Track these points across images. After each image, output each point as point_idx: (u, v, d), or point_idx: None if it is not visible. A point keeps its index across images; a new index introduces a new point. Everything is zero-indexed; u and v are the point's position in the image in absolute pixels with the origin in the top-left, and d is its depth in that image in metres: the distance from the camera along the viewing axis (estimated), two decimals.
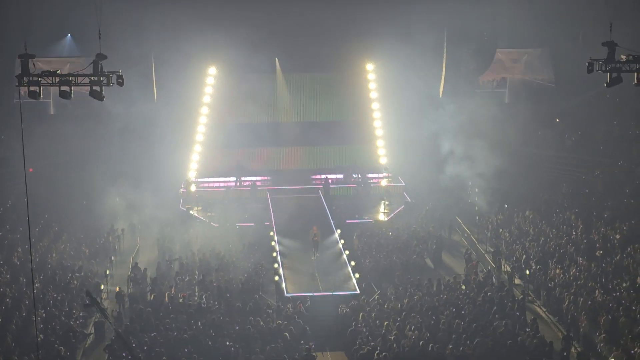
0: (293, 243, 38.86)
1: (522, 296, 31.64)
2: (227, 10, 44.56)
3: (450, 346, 27.06)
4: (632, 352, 25.66)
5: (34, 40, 41.04)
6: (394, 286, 32.72)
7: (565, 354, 27.16)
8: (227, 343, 27.40)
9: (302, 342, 28.11)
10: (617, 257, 32.77)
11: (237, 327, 28.72)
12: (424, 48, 46.87)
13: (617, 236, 34.43)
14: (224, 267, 34.87)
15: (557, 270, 32.77)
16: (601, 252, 33.72)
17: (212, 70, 48.15)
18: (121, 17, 42.29)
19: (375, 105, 50.47)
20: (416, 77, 47.53)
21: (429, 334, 27.67)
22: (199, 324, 28.81)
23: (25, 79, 23.52)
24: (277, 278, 34.82)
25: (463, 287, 32.66)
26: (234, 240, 38.57)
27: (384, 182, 47.39)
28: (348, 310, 30.62)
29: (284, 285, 33.92)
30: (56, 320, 29.05)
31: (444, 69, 47.40)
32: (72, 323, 29.09)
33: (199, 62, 45.28)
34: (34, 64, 23.79)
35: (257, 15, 45.81)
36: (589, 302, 29.43)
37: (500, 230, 39.01)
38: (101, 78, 24.25)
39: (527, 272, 33.94)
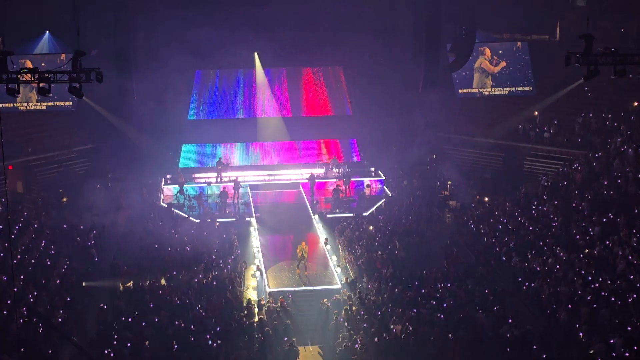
0: (274, 238, 38.92)
1: (502, 288, 31.82)
2: (207, 5, 44.47)
3: (432, 339, 27.23)
4: (612, 342, 25.90)
5: (11, 38, 41.10)
6: (375, 280, 32.83)
7: (546, 345, 27.37)
8: (209, 338, 27.44)
9: (284, 337, 28.19)
10: (597, 249, 33.02)
11: (219, 323, 28.73)
12: (403, 40, 47.13)
13: (596, 228, 34.68)
14: (205, 263, 34.82)
15: (537, 263, 33.00)
16: (581, 242, 33.97)
17: (193, 64, 48.01)
18: (99, 14, 42.29)
19: (355, 99, 50.63)
20: (396, 69, 47.71)
21: (410, 328, 27.81)
22: (181, 320, 28.81)
23: (4, 76, 23.36)
24: (258, 273, 34.90)
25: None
26: (215, 236, 38.50)
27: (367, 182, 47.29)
28: (330, 304, 30.75)
29: (265, 280, 34.00)
30: (37, 318, 28.90)
31: (423, 63, 47.50)
32: (53, 321, 28.96)
33: (179, 57, 45.09)
34: (12, 61, 23.63)
35: (236, 9, 45.80)
36: (569, 294, 29.68)
37: (481, 225, 39.18)
38: (80, 75, 24.17)
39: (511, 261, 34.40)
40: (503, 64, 52.09)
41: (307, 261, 35.44)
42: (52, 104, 48.72)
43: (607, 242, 33.25)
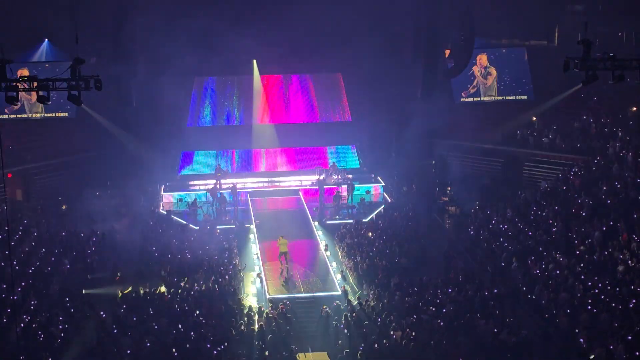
0: (274, 245, 38.83)
1: (502, 294, 31.79)
2: (206, 13, 44.44)
3: (432, 345, 27.21)
4: (611, 348, 25.88)
5: (10, 46, 41.08)
6: (375, 286, 32.81)
7: (545, 351, 27.35)
8: (209, 346, 27.41)
9: (284, 343, 28.17)
10: (596, 254, 33.01)
11: (219, 330, 28.70)
12: (402, 46, 47.13)
13: (596, 233, 34.67)
14: (204, 270, 34.77)
15: (537, 268, 32.99)
16: (581, 247, 33.96)
17: (192, 72, 48.06)
18: (99, 22, 42.30)
19: (354, 106, 50.70)
20: (395, 75, 47.71)
21: (413, 334, 27.78)
22: (180, 327, 28.77)
23: (2, 84, 23.33)
24: (258, 280, 34.88)
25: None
26: (214, 242, 38.46)
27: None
28: (330, 311, 30.72)
29: (265, 287, 33.97)
30: (37, 325, 28.87)
31: (422, 69, 47.54)
32: (53, 329, 28.91)
33: (178, 65, 45.07)
34: (11, 69, 23.60)
35: (235, 16, 45.86)
36: (569, 299, 29.66)
37: (480, 231, 39.19)
38: (79, 82, 24.16)
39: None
40: (493, 73, 52.35)
41: (289, 255, 35.79)
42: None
43: (607, 247, 33.24)
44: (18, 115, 48.64)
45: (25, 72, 41.91)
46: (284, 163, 50.10)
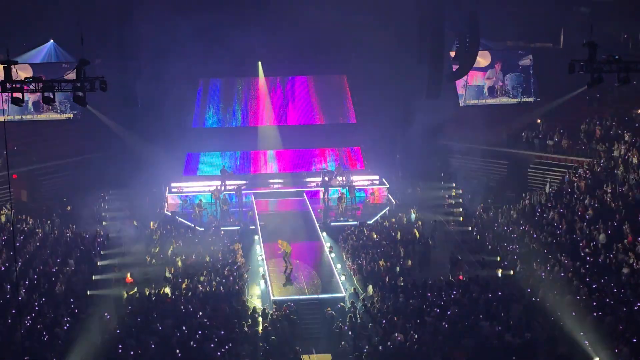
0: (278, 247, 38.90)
1: (506, 296, 31.74)
2: (211, 14, 44.47)
3: (436, 347, 27.17)
4: (617, 351, 25.83)
5: (16, 47, 41.25)
6: (379, 288, 32.78)
7: (550, 353, 27.29)
8: (213, 347, 27.41)
9: (288, 345, 28.16)
10: (601, 257, 32.96)
11: (223, 332, 28.70)
12: (406, 48, 47.05)
13: (601, 235, 34.64)
14: (209, 271, 34.79)
15: (541, 270, 32.94)
16: (586, 250, 33.92)
17: (197, 73, 48.07)
18: (104, 23, 42.32)
19: (359, 107, 50.64)
20: (400, 77, 47.65)
21: (416, 336, 27.75)
22: (184, 328, 28.77)
23: (8, 85, 23.37)
24: (263, 282, 34.88)
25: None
26: (219, 244, 38.47)
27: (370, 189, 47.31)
28: (334, 312, 30.71)
29: (270, 288, 33.96)
30: (41, 326, 28.89)
31: (426, 71, 47.49)
32: (57, 329, 28.92)
33: (183, 66, 45.05)
34: (16, 70, 23.64)
35: (240, 17, 45.89)
36: (574, 302, 29.61)
37: (485, 233, 39.16)
38: (84, 84, 24.19)
39: (512, 272, 34.38)
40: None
41: (291, 256, 35.78)
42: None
43: (612, 250, 33.18)
44: (23, 117, 48.68)
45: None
46: (289, 164, 50.02)
